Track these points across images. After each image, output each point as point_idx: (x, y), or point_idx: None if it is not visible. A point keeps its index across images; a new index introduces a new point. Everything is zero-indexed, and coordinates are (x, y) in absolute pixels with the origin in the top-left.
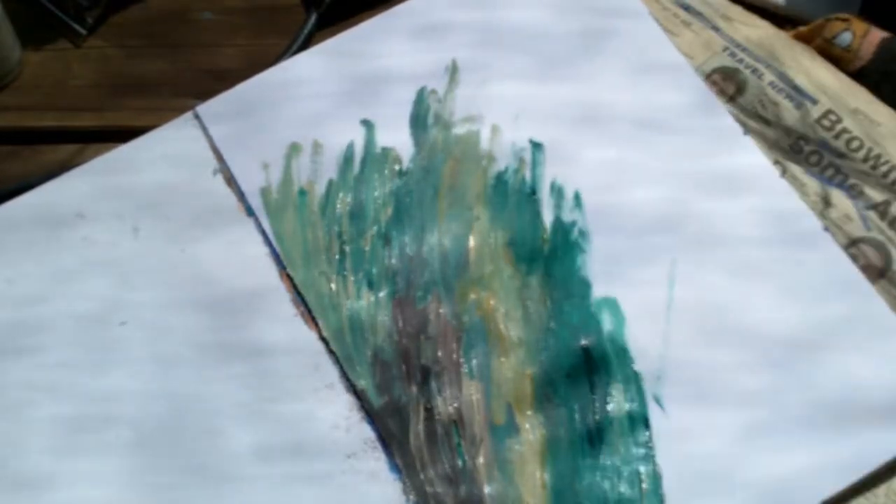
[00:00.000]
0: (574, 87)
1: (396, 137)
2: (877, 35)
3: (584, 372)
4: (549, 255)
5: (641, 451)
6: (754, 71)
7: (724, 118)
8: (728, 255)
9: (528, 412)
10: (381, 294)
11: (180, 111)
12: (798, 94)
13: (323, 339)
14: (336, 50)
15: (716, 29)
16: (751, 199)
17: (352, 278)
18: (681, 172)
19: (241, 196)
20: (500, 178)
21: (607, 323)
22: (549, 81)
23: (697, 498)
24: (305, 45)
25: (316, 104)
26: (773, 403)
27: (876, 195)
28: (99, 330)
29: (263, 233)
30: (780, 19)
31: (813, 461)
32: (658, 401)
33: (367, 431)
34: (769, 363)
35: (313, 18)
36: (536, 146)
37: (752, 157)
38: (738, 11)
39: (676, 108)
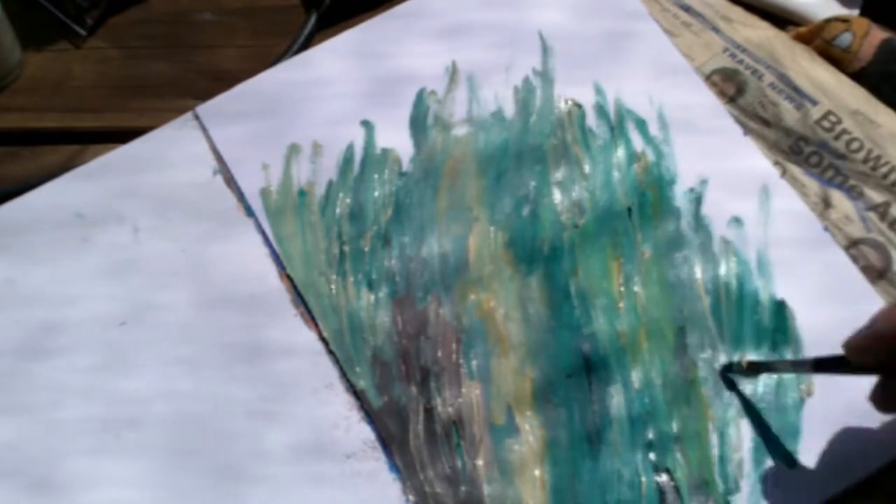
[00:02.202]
0: (576, 89)
1: (396, 138)
2: (877, 36)
3: (584, 372)
4: (549, 256)
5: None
6: (754, 72)
7: (724, 119)
8: None
9: (528, 413)
10: (381, 294)
11: (180, 112)
12: (798, 96)
13: (323, 339)
14: (337, 50)
15: (716, 30)
16: (751, 200)
17: (351, 279)
18: (690, 173)
19: (240, 197)
20: (500, 179)
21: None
22: (552, 84)
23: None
24: (305, 46)
25: (316, 105)
26: (774, 404)
27: (876, 196)
28: (98, 330)
29: (263, 233)
30: (781, 20)
31: (813, 462)
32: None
33: (367, 432)
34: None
35: (313, 19)
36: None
37: (751, 159)
38: (738, 12)
39: (675, 109)
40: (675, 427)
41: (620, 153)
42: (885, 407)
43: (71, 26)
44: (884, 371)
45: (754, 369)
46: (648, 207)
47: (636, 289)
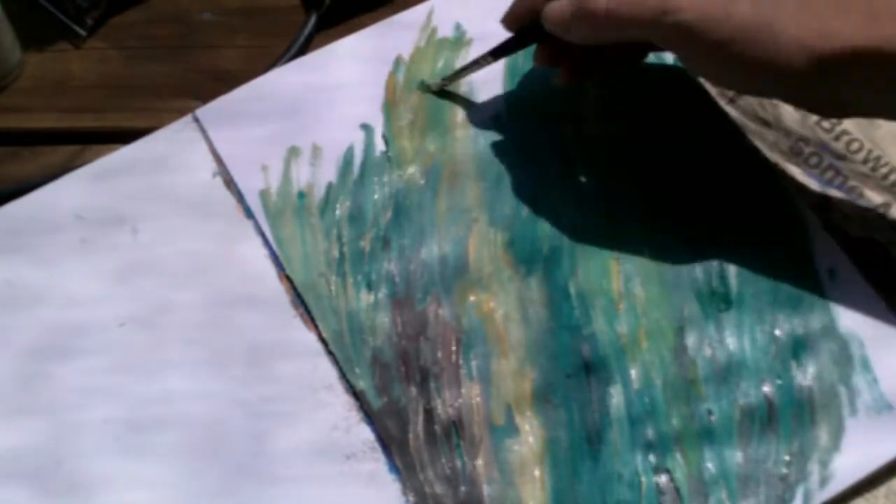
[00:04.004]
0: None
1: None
2: None
3: (584, 373)
4: (549, 257)
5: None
6: None
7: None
8: None
9: (528, 413)
10: (381, 295)
11: (180, 113)
12: None
13: (322, 340)
14: (336, 53)
15: None
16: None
17: (351, 280)
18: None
19: (240, 198)
20: (500, 180)
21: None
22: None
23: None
24: (305, 47)
25: (315, 107)
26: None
27: (876, 197)
28: (98, 332)
29: (262, 235)
30: None
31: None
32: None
33: (367, 432)
34: (767, 363)
35: (313, 20)
36: None
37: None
38: None
39: (676, 109)
40: (675, 427)
41: None
42: (541, 63)
43: (71, 26)
44: (529, 37)
45: (448, 80)
46: None
47: (636, 289)
